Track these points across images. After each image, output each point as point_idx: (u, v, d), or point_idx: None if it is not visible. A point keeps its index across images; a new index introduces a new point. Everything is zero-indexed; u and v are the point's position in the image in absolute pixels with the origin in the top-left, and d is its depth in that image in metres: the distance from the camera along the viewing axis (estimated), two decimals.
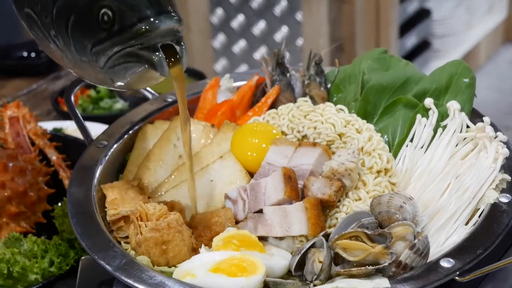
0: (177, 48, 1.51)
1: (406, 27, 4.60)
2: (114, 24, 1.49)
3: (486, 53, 5.30)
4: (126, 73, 1.54)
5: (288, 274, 1.51)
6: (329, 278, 1.47)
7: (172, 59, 1.51)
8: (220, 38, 4.33)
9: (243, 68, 4.35)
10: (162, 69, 1.49)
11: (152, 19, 1.46)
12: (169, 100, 1.93)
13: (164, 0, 1.49)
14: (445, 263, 1.44)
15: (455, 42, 4.98)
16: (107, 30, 1.50)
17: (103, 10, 1.49)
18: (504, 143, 1.69)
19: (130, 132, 1.85)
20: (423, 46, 4.80)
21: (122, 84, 1.58)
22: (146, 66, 1.50)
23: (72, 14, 1.53)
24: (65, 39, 1.56)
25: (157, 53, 1.48)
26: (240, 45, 4.32)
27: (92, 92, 2.64)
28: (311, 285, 1.46)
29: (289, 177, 1.58)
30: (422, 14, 4.75)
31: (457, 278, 1.43)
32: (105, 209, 1.65)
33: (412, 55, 4.71)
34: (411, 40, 4.66)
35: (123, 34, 1.49)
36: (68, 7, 1.53)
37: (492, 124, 1.73)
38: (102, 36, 1.51)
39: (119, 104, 2.61)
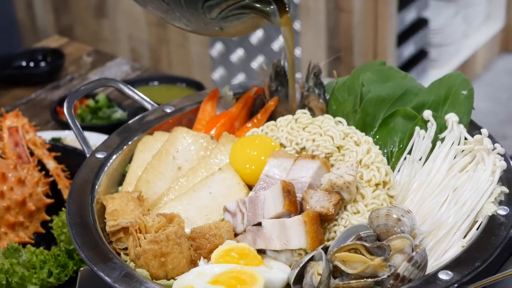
0: (285, 0, 1.75)
1: (403, 37, 4.62)
2: None
3: (483, 62, 5.31)
4: (237, 22, 1.76)
5: (287, 287, 1.52)
6: None
7: (281, 9, 1.75)
8: (218, 47, 4.34)
9: (240, 77, 4.36)
10: (275, 18, 1.74)
11: None
12: (168, 111, 1.94)
13: None
14: (444, 275, 1.44)
15: (452, 52, 4.99)
16: None
17: None
18: (502, 155, 1.70)
19: (130, 143, 1.85)
20: (420, 56, 4.81)
21: (230, 31, 1.80)
22: (259, 16, 1.74)
23: None
24: None
25: (270, 5, 1.73)
26: (237, 54, 4.33)
27: (90, 102, 2.64)
28: None
29: (288, 191, 1.58)
30: (420, 24, 4.76)
31: None
32: (105, 220, 1.65)
33: (409, 64, 4.72)
34: (409, 49, 4.67)
35: None
36: None
37: (490, 136, 1.74)
38: None
39: (118, 114, 2.62)
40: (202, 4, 1.74)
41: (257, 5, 1.73)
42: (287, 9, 1.76)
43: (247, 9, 1.74)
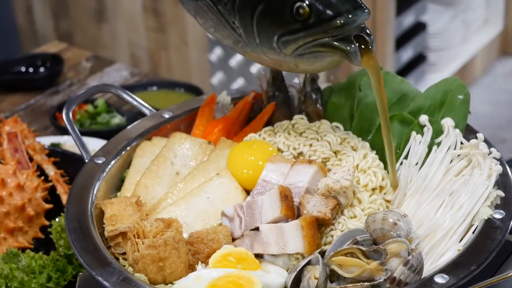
0: (368, 38, 1.60)
1: (402, 41, 4.63)
2: (309, 17, 1.59)
3: (482, 66, 5.32)
4: (314, 60, 1.65)
5: None
6: None
7: (363, 49, 1.60)
8: (217, 52, 4.34)
9: (240, 82, 4.36)
10: (356, 58, 1.59)
11: (348, 14, 1.57)
12: (166, 116, 1.95)
13: None
14: (439, 279, 1.45)
15: (451, 56, 5.00)
16: (301, 22, 1.60)
17: (298, 4, 1.59)
18: (498, 159, 1.71)
19: (128, 148, 1.86)
20: (419, 60, 4.82)
21: (305, 69, 1.70)
22: (339, 55, 1.61)
23: (261, 4, 1.63)
24: (247, 27, 1.66)
25: (351, 45, 1.58)
26: (236, 59, 4.33)
27: (89, 107, 2.65)
28: None
29: (285, 195, 1.59)
30: (418, 28, 4.77)
31: None
32: (103, 225, 1.66)
33: (408, 68, 4.73)
34: (407, 53, 4.68)
35: (318, 27, 1.59)
36: None
37: (485, 141, 1.75)
38: (295, 27, 1.61)
39: (117, 119, 2.63)
40: (277, 39, 1.63)
41: (337, 44, 1.58)
42: (370, 47, 1.59)
43: (326, 47, 1.60)
